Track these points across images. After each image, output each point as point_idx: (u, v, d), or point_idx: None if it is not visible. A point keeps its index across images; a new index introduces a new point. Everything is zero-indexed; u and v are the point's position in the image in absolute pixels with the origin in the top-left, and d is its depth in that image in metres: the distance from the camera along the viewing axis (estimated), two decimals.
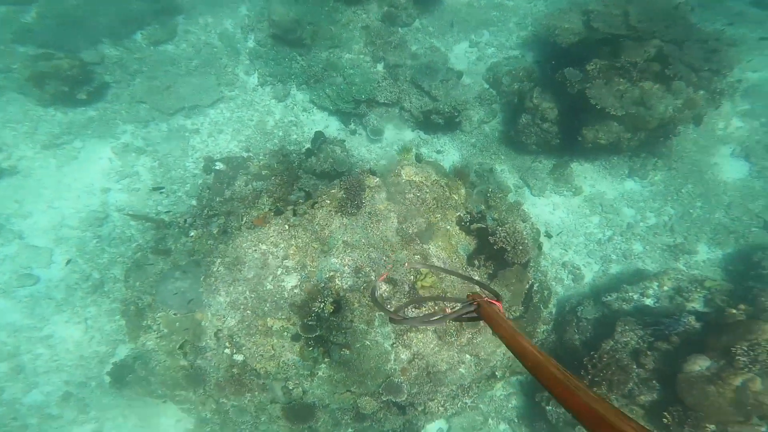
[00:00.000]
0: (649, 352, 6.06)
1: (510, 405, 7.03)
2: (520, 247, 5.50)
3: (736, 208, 7.82)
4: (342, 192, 5.69)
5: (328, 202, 5.68)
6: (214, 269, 5.82)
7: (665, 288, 6.91)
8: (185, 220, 6.61)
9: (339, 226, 5.57)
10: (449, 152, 8.64)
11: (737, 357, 5.33)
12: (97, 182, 7.95)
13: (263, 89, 9.33)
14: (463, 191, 5.92)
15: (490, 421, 7.01)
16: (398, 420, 6.17)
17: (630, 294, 6.97)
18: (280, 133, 8.83)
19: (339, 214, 5.60)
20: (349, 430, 6.27)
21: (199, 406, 6.01)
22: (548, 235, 7.84)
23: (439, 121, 8.44)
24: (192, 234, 6.39)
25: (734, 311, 5.94)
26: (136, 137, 8.50)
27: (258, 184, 6.53)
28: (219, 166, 7.30)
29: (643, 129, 6.91)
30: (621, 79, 6.80)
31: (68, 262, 7.26)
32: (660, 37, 6.86)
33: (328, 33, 9.36)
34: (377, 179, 5.83)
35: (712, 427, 5.49)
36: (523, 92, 7.90)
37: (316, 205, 5.66)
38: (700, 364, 5.57)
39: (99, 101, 8.76)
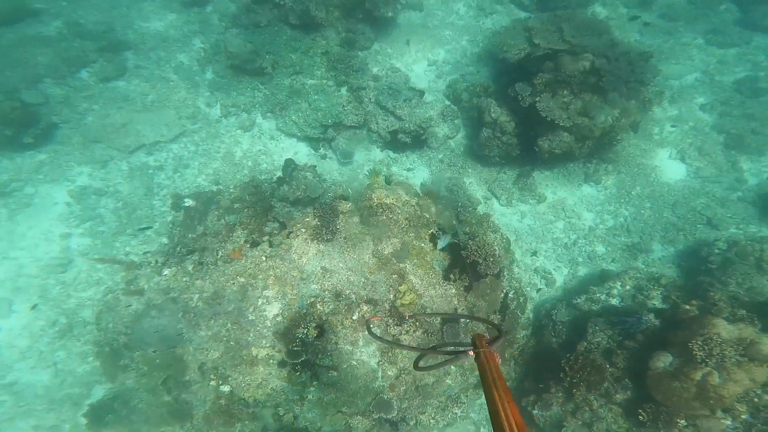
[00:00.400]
0: (619, 351, 6.28)
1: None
2: (491, 259, 5.78)
3: (681, 207, 8.47)
4: (316, 220, 5.81)
5: (303, 230, 5.78)
6: (192, 305, 5.77)
7: (627, 287, 7.32)
8: (157, 261, 6.51)
9: (316, 253, 5.67)
10: (419, 169, 8.93)
11: (695, 352, 5.50)
12: (54, 228, 7.65)
13: (227, 120, 9.33)
14: (433, 209, 6.16)
15: (482, 429, 7.15)
16: None
17: (597, 295, 7.34)
18: (250, 163, 8.83)
19: (315, 241, 5.71)
20: None
21: None
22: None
23: (406, 139, 8.74)
24: (166, 273, 6.29)
25: (687, 307, 6.21)
26: (94, 178, 8.24)
27: (231, 218, 6.53)
28: (188, 202, 7.23)
29: (589, 138, 7.47)
30: (565, 92, 7.34)
31: (34, 307, 6.97)
32: (591, 51, 7.47)
33: (288, 61, 9.52)
34: (350, 204, 5.99)
35: (683, 422, 5.66)
36: (482, 107, 8.33)
37: (292, 234, 5.75)
38: (663, 361, 5.76)
39: (48, 143, 8.42)
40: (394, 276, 5.71)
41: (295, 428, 5.66)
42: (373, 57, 9.99)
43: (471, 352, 1.85)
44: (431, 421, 6.31)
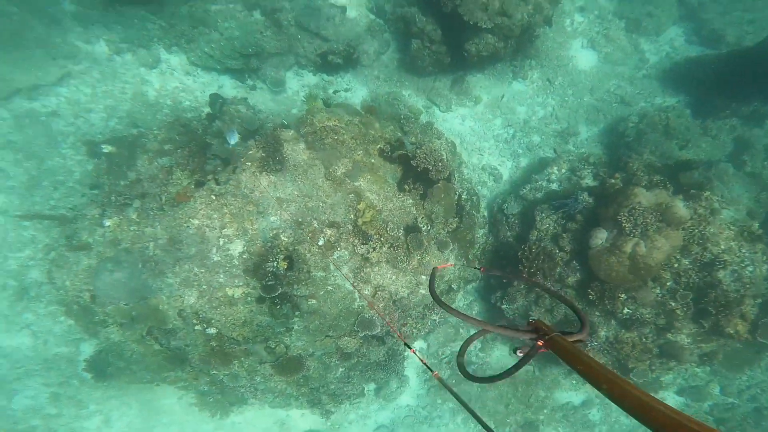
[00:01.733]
0: (564, 235, 6.56)
1: (474, 312, 7.86)
2: (440, 164, 5.96)
3: (598, 90, 9.08)
4: (260, 152, 5.55)
5: (249, 164, 5.52)
6: (150, 254, 5.51)
7: (563, 171, 7.88)
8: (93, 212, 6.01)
9: (268, 185, 5.50)
10: (356, 89, 8.62)
11: (623, 225, 5.72)
12: None
13: (122, 57, 8.05)
14: (377, 125, 6.10)
15: (461, 330, 7.86)
16: (381, 350, 6.68)
17: (539, 183, 7.80)
18: (169, 102, 7.97)
19: (264, 173, 5.50)
20: (340, 369, 6.68)
21: (192, 382, 6.05)
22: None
23: (338, 60, 8.26)
24: (108, 224, 5.83)
25: (612, 181, 6.51)
26: None
27: (164, 160, 6.03)
28: (107, 148, 6.53)
29: (511, 37, 7.58)
30: None
31: None
32: None
33: None
34: (292, 132, 5.75)
35: (623, 296, 6.01)
36: (407, 18, 8.00)
37: (237, 169, 5.48)
38: (600, 237, 5.96)
39: None
40: (351, 195, 5.75)
41: (289, 357, 5.91)
42: None
43: (540, 342, 1.57)
44: (413, 331, 6.78)
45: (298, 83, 8.53)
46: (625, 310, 6.19)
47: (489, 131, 8.70)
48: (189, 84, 8.16)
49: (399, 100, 8.21)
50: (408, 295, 6.40)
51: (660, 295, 6.05)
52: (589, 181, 7.63)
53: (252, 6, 8.46)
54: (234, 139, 5.67)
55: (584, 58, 9.34)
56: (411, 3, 8.53)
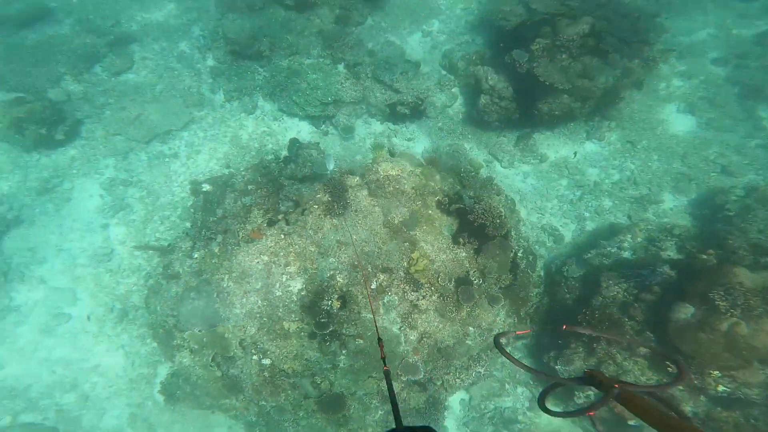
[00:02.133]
0: (636, 304, 6.11)
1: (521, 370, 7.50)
2: (498, 221, 5.99)
3: (692, 157, 8.46)
4: (327, 195, 6.04)
5: (316, 207, 6.02)
6: (224, 285, 6.13)
7: (639, 239, 7.27)
8: (186, 245, 6.87)
9: (330, 228, 5.94)
10: (419, 138, 9.05)
11: (717, 302, 5.32)
12: (95, 220, 8.13)
13: (231, 105, 9.50)
14: (438, 177, 6.35)
15: (506, 386, 7.46)
16: (422, 397, 6.61)
17: (608, 249, 7.32)
18: (256, 145, 9.04)
19: (328, 216, 5.96)
20: (380, 412, 6.69)
21: (243, 411, 6.40)
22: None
23: (405, 111, 8.82)
24: (196, 256, 6.63)
25: (705, 256, 6.02)
26: (119, 170, 8.63)
27: (246, 200, 6.80)
28: (206, 187, 7.52)
29: (590, 98, 7.48)
30: (563, 56, 7.30)
31: (89, 317, 7.49)
32: (591, 14, 7.37)
33: (285, 42, 9.54)
34: (357, 178, 6.19)
35: (716, 373, 5.48)
36: (479, 75, 8.33)
37: (306, 211, 6.00)
38: (684, 312, 5.56)
39: (76, 139, 8.86)
40: (406, 244, 5.97)
41: (332, 394, 6.09)
42: (367, 32, 9.94)
43: (613, 393, 1.52)
44: (457, 380, 6.64)
45: (366, 130, 9.19)
46: (720, 388, 5.55)
47: (553, 191, 8.50)
48: (274, 128, 9.22)
49: (460, 153, 8.44)
50: (453, 344, 6.35)
51: None
52: (671, 253, 6.99)
53: (338, 60, 9.47)
54: (331, 165, 6.21)
55: (679, 123, 8.89)
56: (484, 62, 8.92)
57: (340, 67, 9.49)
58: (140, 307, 7.48)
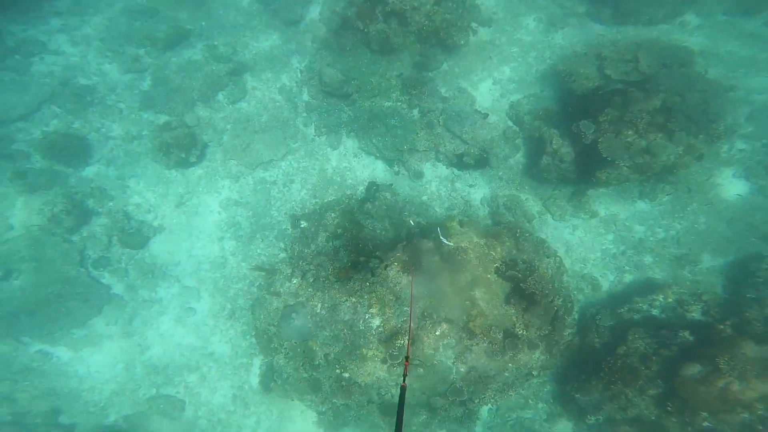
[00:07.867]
0: (654, 357, 6.92)
1: (545, 390, 8.35)
2: (546, 291, 6.69)
3: (738, 222, 8.43)
4: (406, 256, 7.01)
5: (396, 264, 7.03)
6: (317, 311, 7.41)
7: (669, 300, 7.78)
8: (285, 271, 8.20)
9: (407, 283, 6.95)
10: (480, 186, 9.58)
11: (721, 366, 6.21)
12: (214, 233, 9.53)
13: (320, 139, 10.28)
14: (498, 249, 7.07)
15: (530, 401, 8.44)
16: (460, 409, 7.81)
17: (639, 305, 7.86)
18: (338, 179, 9.96)
19: (406, 273, 6.96)
20: (423, 416, 7.99)
21: (318, 405, 7.90)
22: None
23: (470, 161, 9.35)
24: (294, 281, 7.94)
25: (722, 327, 6.71)
26: (233, 191, 9.82)
27: (337, 243, 7.91)
28: (303, 224, 8.70)
29: (649, 171, 7.61)
30: (629, 132, 7.42)
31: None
32: (665, 88, 7.33)
33: (369, 84, 10.14)
34: (431, 243, 7.08)
35: (705, 413, 6.41)
36: (544, 137, 8.59)
37: (388, 267, 7.03)
38: (692, 370, 6.47)
39: (203, 161, 10.02)
40: (467, 302, 6.88)
41: (392, 404, 7.40)
42: (442, 77, 10.29)
43: None
44: (491, 400, 7.71)
45: (432, 173, 9.81)
46: (705, 424, 6.46)
47: (598, 244, 8.88)
48: (354, 164, 10.04)
49: (516, 205, 8.93)
50: (494, 375, 7.36)
51: (749, 420, 6.20)
52: (696, 315, 7.52)
53: (413, 105, 10.01)
54: (447, 239, 7.04)
55: (732, 188, 8.75)
56: (550, 117, 9.11)
57: (415, 111, 10.01)
58: (244, 308, 8.98)
